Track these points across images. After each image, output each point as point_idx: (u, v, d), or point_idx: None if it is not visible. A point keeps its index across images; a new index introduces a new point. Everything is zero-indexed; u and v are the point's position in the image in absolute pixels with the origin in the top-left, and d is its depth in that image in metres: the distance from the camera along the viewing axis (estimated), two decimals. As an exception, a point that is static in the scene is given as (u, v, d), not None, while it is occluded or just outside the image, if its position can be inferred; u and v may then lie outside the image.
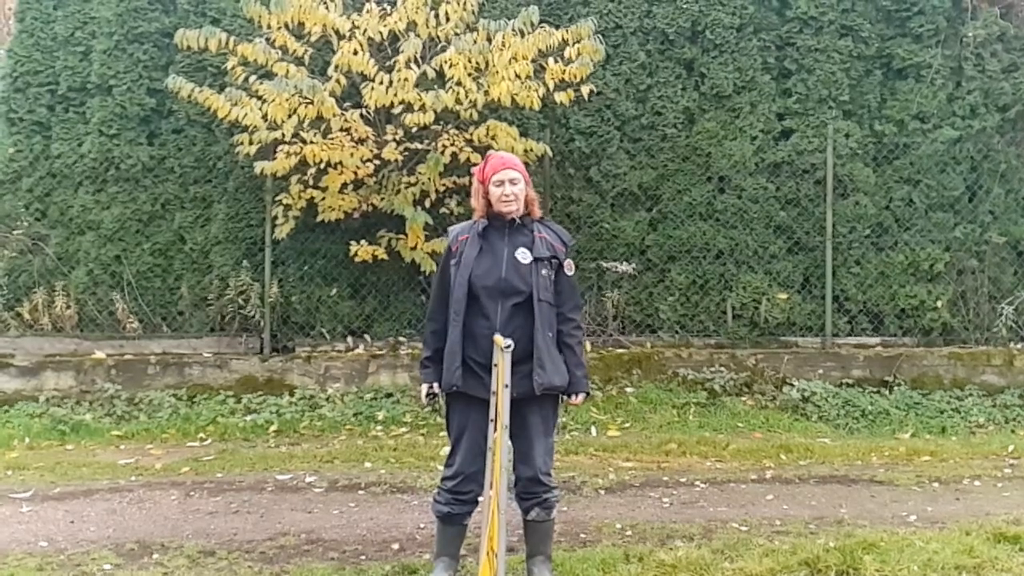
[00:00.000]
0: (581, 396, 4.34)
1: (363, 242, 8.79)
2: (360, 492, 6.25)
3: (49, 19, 9.69)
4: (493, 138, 8.47)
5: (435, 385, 4.28)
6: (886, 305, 9.60)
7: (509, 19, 8.06)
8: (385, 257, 8.82)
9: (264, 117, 8.13)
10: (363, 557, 4.94)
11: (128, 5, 9.48)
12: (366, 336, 9.29)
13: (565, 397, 4.32)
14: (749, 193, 9.59)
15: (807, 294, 9.62)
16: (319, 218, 8.85)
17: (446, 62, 8.00)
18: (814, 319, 9.56)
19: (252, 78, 8.19)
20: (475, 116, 8.44)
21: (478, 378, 4.14)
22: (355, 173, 8.51)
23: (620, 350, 9.23)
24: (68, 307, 9.25)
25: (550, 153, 9.06)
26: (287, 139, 8.24)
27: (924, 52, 9.68)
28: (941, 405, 8.71)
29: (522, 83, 8.17)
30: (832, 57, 9.65)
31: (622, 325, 9.52)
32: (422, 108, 8.06)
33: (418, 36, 8.12)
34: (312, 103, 8.02)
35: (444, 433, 4.55)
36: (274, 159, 8.39)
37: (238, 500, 6.05)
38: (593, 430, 8.06)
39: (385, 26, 8.20)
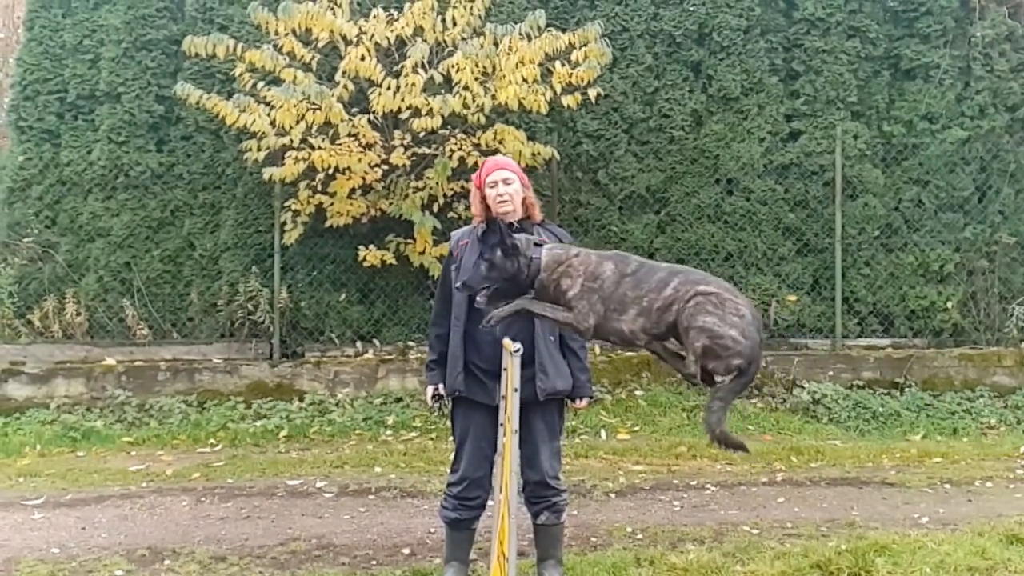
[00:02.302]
0: (585, 400, 4.36)
1: (371, 247, 8.80)
2: (370, 497, 6.26)
3: (58, 27, 9.74)
4: (501, 142, 8.48)
5: (440, 387, 4.31)
6: (896, 306, 9.58)
7: (516, 23, 8.07)
8: (393, 262, 8.83)
9: (272, 123, 8.15)
10: (374, 562, 4.94)
11: (136, 13, 9.54)
12: (375, 341, 9.30)
13: (570, 401, 4.34)
14: (757, 195, 9.58)
15: (817, 296, 9.59)
16: (328, 223, 8.86)
17: (453, 67, 8.01)
18: (824, 321, 9.54)
19: (260, 84, 8.21)
20: (482, 120, 8.45)
21: (480, 383, 4.16)
22: (363, 178, 8.53)
23: (629, 352, 9.20)
24: (78, 314, 9.28)
25: (558, 156, 9.05)
26: (295, 145, 8.26)
27: (932, 52, 9.67)
28: (952, 407, 8.68)
29: (529, 87, 8.17)
30: (840, 58, 9.64)
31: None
32: (429, 113, 8.07)
33: (425, 41, 8.13)
34: (320, 109, 8.05)
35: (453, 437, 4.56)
36: (282, 165, 8.41)
37: (249, 506, 6.06)
38: (603, 433, 8.05)
39: (392, 31, 8.21)
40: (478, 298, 3.68)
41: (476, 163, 8.38)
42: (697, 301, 3.40)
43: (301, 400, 8.67)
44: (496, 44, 8.00)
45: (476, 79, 8.09)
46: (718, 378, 3.47)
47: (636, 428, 8.21)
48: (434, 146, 8.69)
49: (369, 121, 8.35)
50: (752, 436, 8.04)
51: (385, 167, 8.56)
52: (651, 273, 3.55)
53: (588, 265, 3.59)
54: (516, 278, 3.64)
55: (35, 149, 9.67)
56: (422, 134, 8.41)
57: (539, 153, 8.64)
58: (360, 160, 8.32)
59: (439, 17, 8.28)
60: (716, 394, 3.50)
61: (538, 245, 3.73)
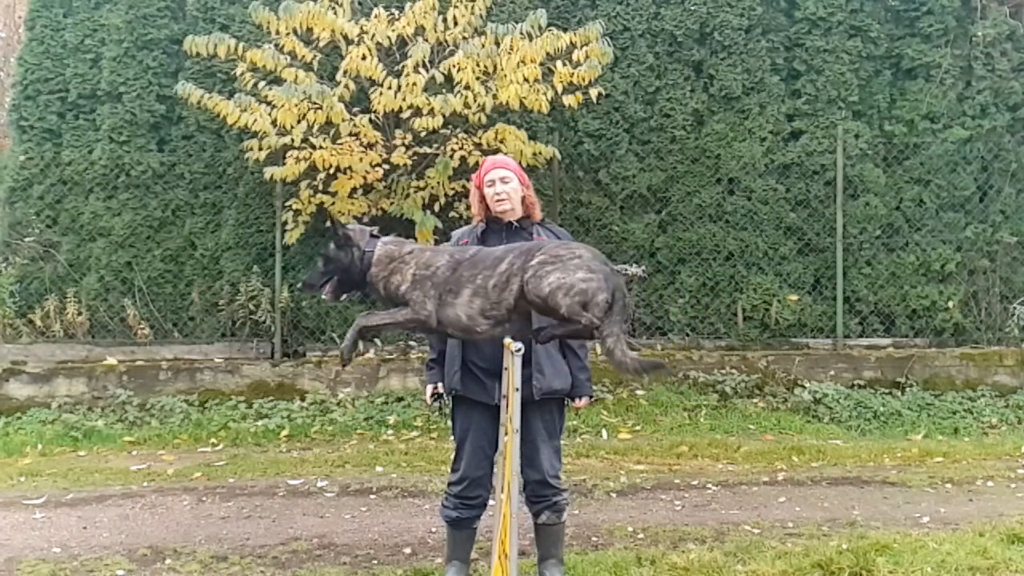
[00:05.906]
0: (585, 399, 4.35)
1: (373, 247, 8.78)
2: (372, 496, 6.26)
3: (59, 27, 9.75)
4: (502, 141, 8.48)
5: (439, 385, 4.30)
6: (897, 306, 9.58)
7: (517, 23, 8.07)
8: (395, 261, 8.81)
9: (273, 123, 8.15)
10: (375, 562, 4.94)
11: (137, 12, 9.55)
12: (376, 340, 9.29)
13: (570, 401, 4.33)
14: (759, 194, 9.58)
15: (818, 295, 9.59)
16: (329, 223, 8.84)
17: (454, 66, 8.02)
18: (825, 320, 9.53)
19: (261, 84, 8.21)
20: (484, 120, 8.45)
21: (479, 382, 4.15)
22: (364, 178, 8.53)
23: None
24: (79, 313, 9.28)
25: (559, 156, 9.06)
26: (296, 144, 8.26)
27: (933, 52, 9.67)
28: (953, 406, 8.68)
29: (530, 86, 8.17)
30: (841, 58, 9.64)
31: (632, 328, 9.49)
32: (431, 112, 8.07)
33: (426, 40, 8.13)
34: (321, 108, 8.05)
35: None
36: (284, 165, 8.41)
37: (250, 505, 6.06)
38: (604, 433, 8.05)
39: (393, 31, 8.22)
40: (323, 294, 3.71)
41: (477, 162, 8.35)
42: (535, 269, 3.44)
43: (302, 399, 8.68)
44: (497, 44, 8.01)
45: (477, 78, 8.10)
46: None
47: (637, 428, 8.21)
48: (435, 145, 8.69)
49: (370, 120, 8.35)
50: (753, 436, 8.05)
51: (386, 166, 8.56)
52: (488, 255, 3.59)
53: (421, 257, 3.63)
54: (351, 270, 3.66)
55: (36, 148, 9.67)
56: (423, 133, 8.41)
57: (540, 152, 8.64)
58: (361, 159, 8.33)
59: (440, 16, 8.29)
60: (603, 334, 3.50)
61: (375, 237, 3.75)
